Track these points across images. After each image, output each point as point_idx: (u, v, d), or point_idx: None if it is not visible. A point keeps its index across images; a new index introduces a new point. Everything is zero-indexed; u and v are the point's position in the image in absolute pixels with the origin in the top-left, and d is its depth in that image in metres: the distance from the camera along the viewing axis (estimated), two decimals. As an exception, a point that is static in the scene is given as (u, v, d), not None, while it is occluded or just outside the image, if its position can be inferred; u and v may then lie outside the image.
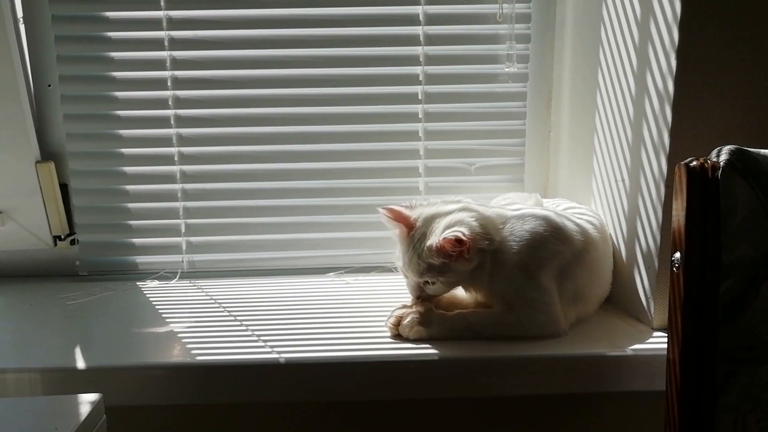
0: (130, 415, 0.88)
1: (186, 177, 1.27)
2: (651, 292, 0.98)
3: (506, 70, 1.23)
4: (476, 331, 0.94)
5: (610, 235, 1.08)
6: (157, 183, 1.27)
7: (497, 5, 1.21)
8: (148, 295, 1.19)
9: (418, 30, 1.22)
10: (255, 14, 1.21)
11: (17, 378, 0.89)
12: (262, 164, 1.27)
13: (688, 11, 0.88)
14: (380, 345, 0.95)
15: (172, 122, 1.24)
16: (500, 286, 0.93)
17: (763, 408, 0.74)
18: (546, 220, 0.96)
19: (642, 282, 1.00)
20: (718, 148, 0.76)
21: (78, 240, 1.28)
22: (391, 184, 1.30)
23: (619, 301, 1.05)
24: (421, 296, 0.98)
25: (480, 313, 0.95)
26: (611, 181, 1.08)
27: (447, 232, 0.90)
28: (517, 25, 1.22)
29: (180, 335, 0.99)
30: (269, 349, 0.93)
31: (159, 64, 1.22)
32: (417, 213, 0.99)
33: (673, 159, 0.92)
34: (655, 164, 0.96)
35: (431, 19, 1.22)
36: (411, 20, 1.22)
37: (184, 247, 1.29)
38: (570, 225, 0.98)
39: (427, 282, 0.96)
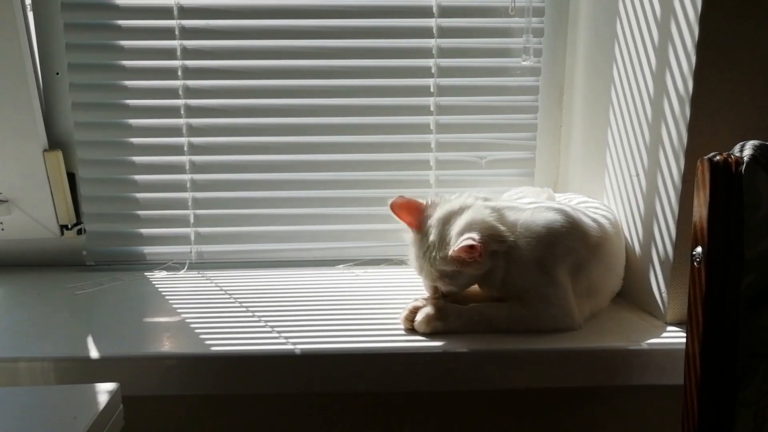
0: (145, 405, 0.87)
1: (195, 167, 1.26)
2: (665, 286, 0.98)
3: (523, 63, 1.23)
4: (491, 325, 0.94)
5: (623, 229, 1.08)
6: (165, 173, 1.26)
7: (510, -1, 1.21)
8: (156, 286, 1.18)
9: (431, 22, 1.22)
10: (267, 4, 1.20)
11: (30, 367, 0.88)
12: (272, 155, 1.27)
13: (710, 6, 0.88)
14: (394, 337, 0.95)
15: (182, 112, 1.23)
16: (515, 281, 0.93)
17: (783, 402, 0.74)
18: (562, 215, 0.96)
19: (656, 276, 1.01)
20: (741, 143, 0.76)
21: (85, 229, 1.27)
22: (402, 177, 1.29)
23: (632, 295, 1.05)
24: (437, 294, 0.98)
25: (495, 307, 0.95)
26: (625, 176, 1.08)
27: (460, 240, 0.89)
28: (532, 19, 1.22)
29: (192, 326, 0.99)
30: (284, 341, 0.93)
31: (169, 54, 1.20)
32: (427, 215, 0.98)
33: (690, 154, 0.92)
34: (672, 159, 0.95)
35: (444, 12, 1.21)
36: (424, 12, 1.22)
37: (192, 237, 1.28)
38: (586, 220, 0.98)
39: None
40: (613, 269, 1.01)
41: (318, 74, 1.23)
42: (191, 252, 1.29)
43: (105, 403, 0.71)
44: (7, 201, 1.22)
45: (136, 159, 1.25)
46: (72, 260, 1.28)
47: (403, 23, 1.22)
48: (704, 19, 0.88)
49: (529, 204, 0.98)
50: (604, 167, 1.16)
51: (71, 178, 1.25)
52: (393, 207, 0.99)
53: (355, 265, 1.28)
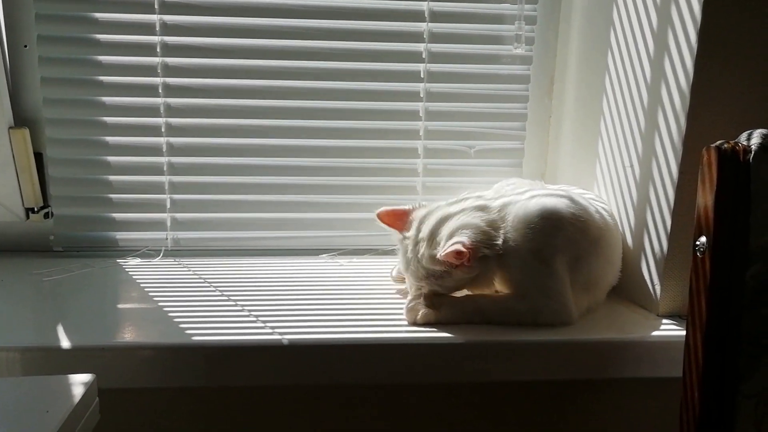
0: (121, 398, 0.81)
1: (173, 150, 1.19)
2: (658, 278, 0.97)
3: (514, 51, 1.20)
4: (486, 316, 0.91)
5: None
6: (141, 155, 1.20)
7: (504, -16, 1.18)
8: (130, 273, 1.12)
9: (423, 5, 1.18)
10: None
11: (-7, 357, 0.82)
12: (254, 139, 1.21)
13: (713, -7, 0.86)
14: (384, 327, 0.91)
15: (160, 91, 1.17)
16: (513, 273, 0.91)
17: (785, 394, 0.73)
18: (565, 204, 0.93)
19: (648, 269, 0.99)
20: (748, 132, 0.75)
21: (53, 213, 1.20)
22: (389, 165, 1.25)
23: (623, 287, 1.04)
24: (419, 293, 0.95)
25: (490, 298, 0.92)
26: (618, 167, 1.07)
27: (448, 244, 0.86)
28: (524, 6, 1.19)
29: (171, 314, 0.93)
30: (270, 331, 0.88)
31: (148, 28, 1.14)
32: (413, 217, 0.97)
33: (689, 144, 0.91)
34: (669, 149, 0.94)
35: (437, -5, 1.18)
36: (415, -5, 1.18)
37: (168, 223, 1.22)
38: (588, 212, 0.95)
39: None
40: (612, 262, 1.00)
41: (303, 56, 1.18)
42: (167, 238, 1.23)
43: (80, 395, 0.66)
44: (-33, 181, 1.14)
45: (110, 139, 1.19)
46: (38, 245, 1.21)
47: (394, 5, 1.18)
48: (707, 7, 0.87)
49: (532, 193, 0.95)
50: (595, 158, 1.14)
51: (38, 158, 1.17)
52: (379, 216, 0.98)
53: (339, 254, 1.24)
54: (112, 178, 1.20)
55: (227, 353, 0.85)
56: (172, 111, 1.18)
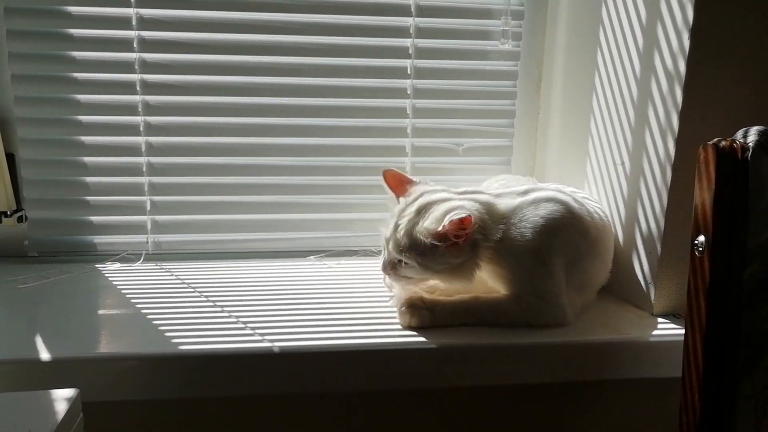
0: (105, 411, 0.78)
1: (152, 149, 1.15)
2: (652, 278, 0.97)
3: (501, 47, 1.19)
4: (481, 318, 0.89)
5: (607, 219, 1.06)
6: (119, 155, 1.15)
7: (492, -21, 1.16)
8: (110, 279, 1.08)
9: (410, 0, 1.16)
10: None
11: (-33, 372, 0.78)
12: (237, 138, 1.18)
13: (705, -11, 0.86)
14: (377, 333, 0.89)
15: (138, 88, 1.12)
16: (509, 271, 0.89)
17: (784, 394, 0.73)
18: (564, 205, 0.92)
19: (642, 268, 0.99)
20: (745, 129, 0.74)
21: (26, 217, 1.15)
22: (376, 163, 1.23)
23: (615, 287, 1.03)
24: (390, 275, 0.91)
25: (485, 300, 0.91)
26: (609, 165, 1.06)
27: (452, 213, 0.84)
28: (511, 1, 1.18)
29: (155, 322, 0.90)
30: (259, 338, 0.85)
31: (124, 23, 1.10)
32: (415, 188, 0.95)
33: (682, 141, 0.90)
34: (661, 147, 0.93)
35: (423, -10, 1.16)
36: (402, -10, 1.16)
37: (149, 226, 1.18)
38: (586, 213, 0.94)
39: (401, 261, 0.89)
40: (606, 263, 0.99)
41: (288, 51, 1.15)
42: (148, 242, 1.18)
43: (63, 412, 0.63)
44: (-66, 184, 1.08)
45: (85, 139, 1.14)
46: (12, 251, 1.16)
47: (380, 0, 1.16)
48: (699, 3, 0.86)
49: (524, 191, 0.94)
50: (585, 156, 1.13)
51: (10, 159, 1.12)
52: (385, 175, 0.96)
53: (326, 256, 1.22)
54: (88, 179, 1.15)
55: (216, 362, 0.82)
56: (151, 109, 1.13)
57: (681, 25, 0.89)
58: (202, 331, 0.87)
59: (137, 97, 1.13)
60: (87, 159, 1.14)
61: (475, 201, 0.91)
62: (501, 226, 0.89)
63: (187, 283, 1.06)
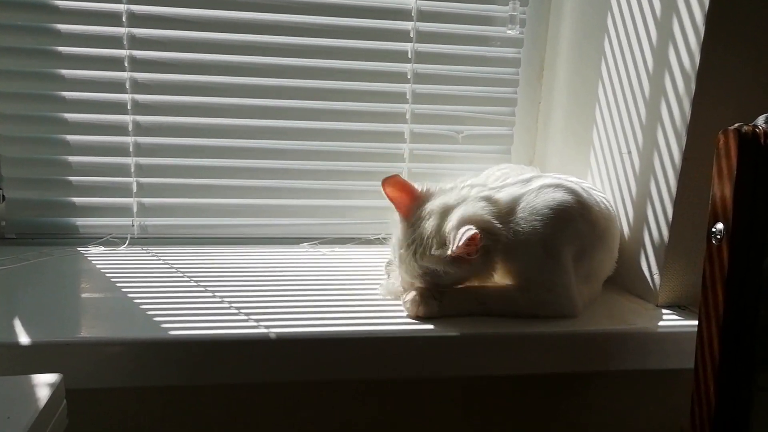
0: (90, 399, 0.73)
1: (140, 128, 1.10)
2: (657, 269, 0.95)
3: (508, 32, 1.16)
4: (490, 309, 0.86)
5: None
6: (105, 134, 1.10)
7: (497, -38, 1.13)
8: (94, 262, 1.03)
9: (412, -19, 1.12)
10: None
11: (-60, 356, 0.72)
12: (229, 119, 1.13)
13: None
14: (376, 320, 0.85)
15: (126, 65, 1.07)
16: (518, 264, 0.86)
17: (802, 386, 0.71)
18: (572, 195, 0.89)
19: (647, 259, 0.96)
20: (765, 115, 0.72)
21: (4, 197, 1.09)
22: (374, 149, 1.19)
23: (620, 277, 1.00)
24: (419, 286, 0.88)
25: (494, 291, 0.87)
26: (615, 154, 1.03)
27: (459, 234, 0.78)
28: (515, -14, 1.15)
29: (143, 307, 0.85)
30: (254, 324, 0.81)
31: (113, -6, 1.04)
32: (419, 204, 0.87)
33: (694, 130, 0.88)
34: (671, 135, 0.91)
35: (426, -29, 1.12)
36: (404, -30, 1.12)
37: (135, 209, 1.13)
38: (594, 203, 0.91)
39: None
40: (612, 254, 0.96)
41: (284, 31, 1.10)
42: (133, 225, 1.13)
43: (46, 398, 0.58)
44: None
45: (69, 116, 1.08)
46: (-12, 232, 1.10)
47: (382, -20, 1.12)
48: (715, -12, 0.84)
49: (528, 179, 0.91)
50: (588, 145, 1.11)
51: (-12, 135, 1.06)
52: (386, 182, 0.87)
53: (320, 243, 1.17)
54: (71, 158, 1.10)
55: (209, 348, 0.77)
56: (139, 87, 1.08)
57: (696, 11, 0.87)
58: (192, 317, 0.82)
59: (125, 74, 1.07)
60: (70, 137, 1.09)
61: (480, 201, 0.86)
62: (509, 224, 0.85)
63: (176, 268, 1.01)
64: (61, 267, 1.00)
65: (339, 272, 1.03)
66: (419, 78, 1.16)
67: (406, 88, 1.17)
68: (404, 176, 1.17)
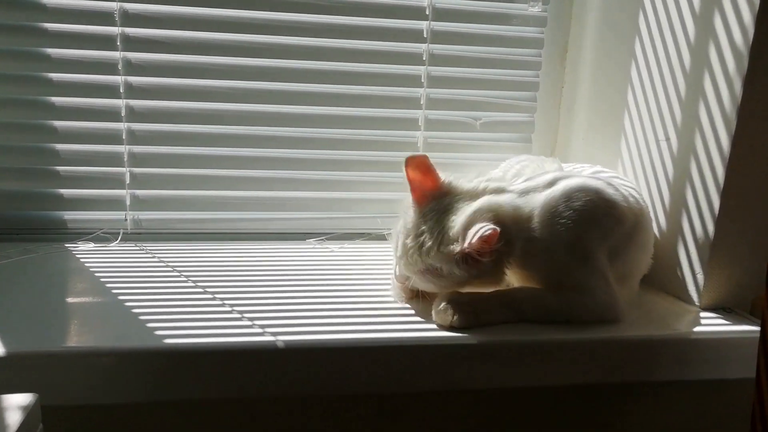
0: (72, 418, 0.64)
1: (134, 114, 1.01)
2: (701, 267, 0.86)
3: (530, 10, 1.07)
4: (522, 314, 0.78)
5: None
6: (95, 120, 1.01)
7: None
8: (82, 260, 0.94)
9: (428, -46, 1.03)
10: None
11: None
12: (231, 104, 1.04)
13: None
14: (395, 326, 0.77)
15: (118, 43, 0.98)
16: (542, 271, 0.78)
17: None
18: (596, 192, 0.80)
19: (688, 256, 0.88)
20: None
21: (-15, 188, 1.00)
22: (385, 137, 1.10)
23: (655, 276, 0.92)
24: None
25: (527, 294, 0.79)
26: (650, 141, 0.95)
27: (476, 229, 0.71)
28: (540, -41, 1.06)
29: (135, 311, 0.76)
30: (260, 330, 0.73)
31: (103, -33, 0.95)
32: (437, 194, 0.79)
33: (745, 112, 0.79)
34: (718, 118, 0.82)
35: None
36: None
37: (128, 201, 1.04)
38: (622, 198, 0.83)
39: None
40: (647, 251, 0.88)
41: (290, 7, 1.01)
42: (126, 219, 1.05)
43: (18, 423, 0.50)
44: None
45: (56, 100, 0.99)
46: (-33, 227, 1.01)
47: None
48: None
49: (551, 181, 0.82)
50: (618, 132, 1.02)
51: (-33, 121, 0.97)
52: (411, 161, 0.79)
53: (328, 239, 1.09)
54: (59, 146, 1.01)
55: (210, 359, 0.69)
56: (133, 68, 0.99)
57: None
58: (191, 322, 0.74)
59: (117, 54, 0.98)
60: (57, 123, 1.00)
61: (500, 202, 0.78)
62: (528, 231, 0.77)
63: (172, 267, 0.93)
64: (45, 265, 0.92)
65: (348, 271, 0.95)
66: (435, 60, 1.08)
67: (421, 70, 1.08)
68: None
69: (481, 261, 0.74)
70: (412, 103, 1.09)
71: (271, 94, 1.04)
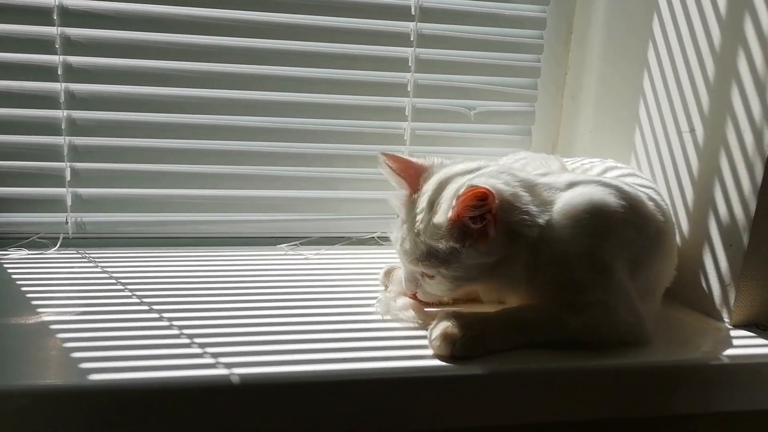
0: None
1: (74, 100, 0.87)
2: (732, 278, 0.75)
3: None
4: (534, 337, 0.65)
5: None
6: (30, 107, 0.87)
7: None
8: (10, 271, 0.81)
9: None
10: None
11: None
12: (188, 89, 0.90)
13: None
14: (384, 354, 0.64)
15: (55, 16, 0.84)
16: (556, 283, 0.66)
17: None
18: (616, 195, 0.69)
19: (717, 266, 0.77)
20: None
21: None
22: (367, 129, 0.98)
23: (678, 289, 0.80)
24: (415, 295, 0.71)
25: (536, 310, 0.67)
26: (671, 133, 0.83)
27: (462, 190, 0.63)
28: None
29: (61, 337, 0.63)
30: (211, 361, 0.60)
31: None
32: (427, 175, 0.72)
33: (790, 99, 0.68)
34: (756, 106, 0.71)
35: None
36: None
37: (69, 201, 0.90)
38: (642, 202, 0.72)
39: (424, 274, 0.68)
40: (670, 262, 0.77)
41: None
42: (67, 222, 0.91)
43: None
44: None
45: (-18, 84, 0.85)
46: None
47: None
48: None
49: (569, 184, 0.70)
50: (632, 123, 0.91)
51: None
52: (387, 155, 0.72)
53: (301, 244, 0.96)
54: (-14, 137, 0.87)
55: (147, 399, 0.55)
56: (72, 45, 0.85)
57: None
58: (130, 351, 0.61)
59: (54, 29, 0.84)
60: (-17, 111, 0.86)
61: (506, 174, 0.69)
62: (547, 215, 0.67)
63: (116, 279, 0.79)
64: (-34, 278, 0.78)
65: (325, 283, 0.82)
66: (424, 40, 0.95)
67: (408, 52, 0.95)
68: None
69: (487, 235, 0.63)
70: (397, 89, 0.96)
71: (237, 77, 0.91)
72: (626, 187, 0.72)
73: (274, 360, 0.60)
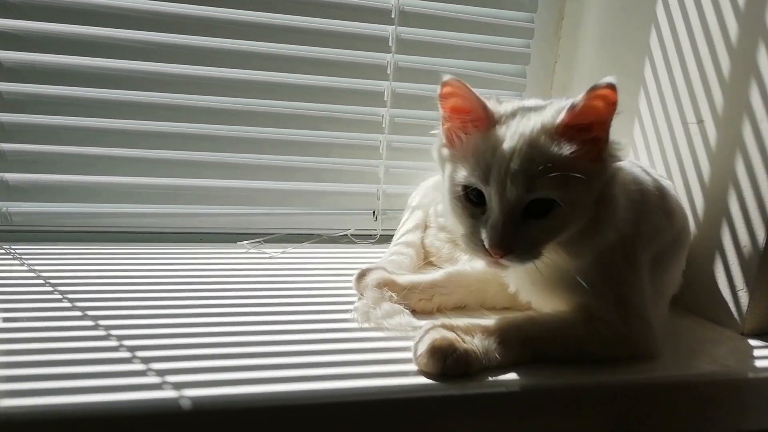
0: None
1: (1, 71, 0.74)
2: (745, 282, 0.68)
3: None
4: (535, 346, 0.57)
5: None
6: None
7: None
8: None
9: None
10: None
11: None
12: (134, 62, 0.79)
13: None
14: (364, 369, 0.54)
15: (-24, -30, 0.71)
16: (585, 268, 0.57)
17: None
18: (645, 181, 0.63)
19: (728, 269, 0.70)
20: None
21: None
22: (341, 114, 0.88)
23: (685, 294, 0.73)
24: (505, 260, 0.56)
25: (544, 323, 0.58)
26: (676, 125, 0.77)
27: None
28: None
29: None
30: (157, 380, 0.49)
31: None
32: (497, 110, 0.60)
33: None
34: (775, 94, 0.65)
35: None
36: None
37: (-8, 189, 0.77)
38: (671, 190, 0.66)
39: (527, 217, 0.55)
40: (683, 264, 0.71)
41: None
42: (-10, 213, 0.78)
43: None
44: None
45: None
46: None
47: None
48: None
49: None
50: (631, 114, 0.84)
51: None
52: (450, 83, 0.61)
53: (265, 241, 0.85)
54: None
55: (77, 430, 0.44)
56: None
57: None
58: (55, 367, 0.50)
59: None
60: None
61: None
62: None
63: (45, 279, 0.67)
64: None
65: (293, 285, 0.72)
66: (405, 18, 0.86)
67: (388, 30, 0.86)
68: (381, 149, 0.89)
69: (601, 149, 0.55)
70: (376, 72, 0.87)
71: (191, 51, 0.80)
72: (653, 175, 0.66)
73: (233, 379, 0.50)
